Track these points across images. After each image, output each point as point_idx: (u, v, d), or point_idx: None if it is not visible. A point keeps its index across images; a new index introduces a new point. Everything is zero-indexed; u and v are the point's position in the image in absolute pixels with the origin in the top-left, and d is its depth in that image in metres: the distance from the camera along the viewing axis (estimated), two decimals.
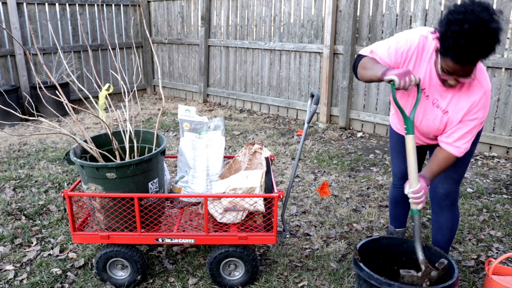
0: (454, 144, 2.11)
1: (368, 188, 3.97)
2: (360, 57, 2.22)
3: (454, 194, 2.38)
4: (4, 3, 6.38)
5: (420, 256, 2.11)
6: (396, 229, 2.85)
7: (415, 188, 2.07)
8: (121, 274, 2.55)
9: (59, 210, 3.53)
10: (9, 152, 4.99)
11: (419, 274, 2.04)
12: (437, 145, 2.31)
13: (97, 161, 2.48)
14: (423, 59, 2.09)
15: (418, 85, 2.07)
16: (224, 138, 2.85)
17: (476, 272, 2.73)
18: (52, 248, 2.99)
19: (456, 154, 2.12)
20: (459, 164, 2.30)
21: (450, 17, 1.79)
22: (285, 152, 4.97)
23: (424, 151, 2.54)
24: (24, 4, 3.70)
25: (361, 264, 2.05)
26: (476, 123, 2.07)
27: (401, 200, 2.73)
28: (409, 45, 2.08)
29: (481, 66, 2.06)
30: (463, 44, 1.75)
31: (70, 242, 3.05)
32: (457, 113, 2.07)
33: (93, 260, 2.74)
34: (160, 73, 2.80)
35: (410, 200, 2.11)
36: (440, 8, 4.87)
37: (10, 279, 2.66)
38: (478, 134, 2.30)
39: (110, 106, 6.95)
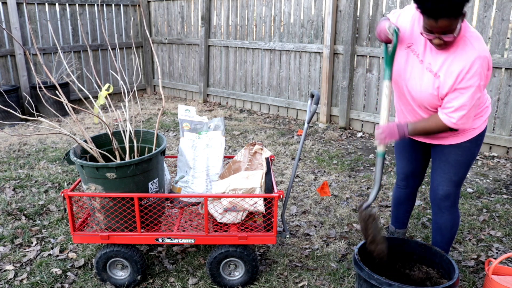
0: (449, 114, 2.06)
1: (368, 188, 3.97)
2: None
3: (454, 196, 2.36)
4: (4, 3, 6.38)
5: (370, 198, 2.25)
6: (397, 229, 2.85)
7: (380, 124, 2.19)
8: (121, 274, 2.55)
9: (59, 210, 3.53)
10: (9, 152, 4.99)
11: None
12: (442, 145, 2.31)
13: (97, 161, 2.48)
14: (415, 25, 2.15)
15: (396, 33, 2.13)
16: (224, 138, 2.85)
17: (476, 272, 2.73)
18: (52, 248, 2.99)
19: (447, 123, 2.08)
20: (460, 167, 2.28)
21: None
22: (285, 152, 4.97)
23: (428, 152, 2.52)
24: (24, 4, 3.70)
25: (361, 264, 2.05)
26: (472, 92, 1.99)
27: (404, 201, 2.72)
28: (406, 13, 2.20)
29: (476, 33, 2.03)
30: None
31: (70, 242, 3.05)
32: (448, 77, 2.03)
33: (93, 260, 2.74)
34: (160, 73, 2.80)
35: (376, 140, 2.21)
36: None
37: (10, 279, 2.66)
38: (482, 135, 2.27)
39: (110, 106, 6.95)
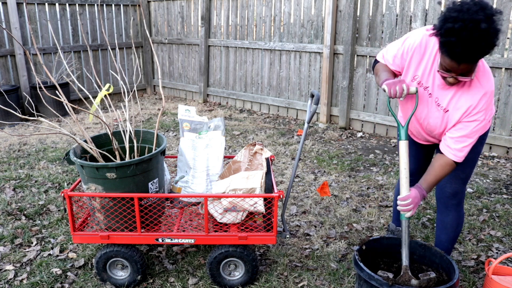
0: (452, 147, 2.09)
1: (368, 188, 3.97)
2: (376, 62, 2.36)
3: (461, 194, 2.38)
4: (4, 3, 6.38)
5: (404, 261, 2.11)
6: (398, 227, 2.84)
7: (403, 195, 2.11)
8: (121, 274, 2.55)
9: (59, 210, 3.53)
10: (9, 152, 4.99)
11: (398, 279, 2.06)
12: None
13: (97, 161, 2.48)
14: (425, 57, 2.12)
15: (416, 94, 2.14)
16: (224, 138, 2.85)
17: (476, 272, 2.73)
18: (52, 248, 2.99)
19: (453, 159, 2.10)
20: (467, 164, 2.28)
21: (446, 14, 1.83)
22: (285, 152, 4.97)
23: (431, 151, 2.53)
24: (24, 4, 3.70)
25: (361, 264, 2.05)
26: (476, 125, 2.04)
27: None
28: (411, 45, 2.16)
29: (485, 67, 2.05)
30: (455, 42, 1.78)
31: (70, 242, 3.05)
32: (455, 112, 2.07)
33: (93, 260, 2.74)
34: (160, 73, 2.80)
35: (398, 207, 2.13)
36: (440, 8, 4.87)
37: (10, 279, 2.66)
38: (486, 133, 2.28)
39: (110, 106, 6.95)
